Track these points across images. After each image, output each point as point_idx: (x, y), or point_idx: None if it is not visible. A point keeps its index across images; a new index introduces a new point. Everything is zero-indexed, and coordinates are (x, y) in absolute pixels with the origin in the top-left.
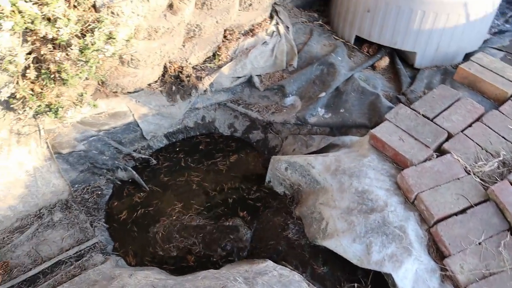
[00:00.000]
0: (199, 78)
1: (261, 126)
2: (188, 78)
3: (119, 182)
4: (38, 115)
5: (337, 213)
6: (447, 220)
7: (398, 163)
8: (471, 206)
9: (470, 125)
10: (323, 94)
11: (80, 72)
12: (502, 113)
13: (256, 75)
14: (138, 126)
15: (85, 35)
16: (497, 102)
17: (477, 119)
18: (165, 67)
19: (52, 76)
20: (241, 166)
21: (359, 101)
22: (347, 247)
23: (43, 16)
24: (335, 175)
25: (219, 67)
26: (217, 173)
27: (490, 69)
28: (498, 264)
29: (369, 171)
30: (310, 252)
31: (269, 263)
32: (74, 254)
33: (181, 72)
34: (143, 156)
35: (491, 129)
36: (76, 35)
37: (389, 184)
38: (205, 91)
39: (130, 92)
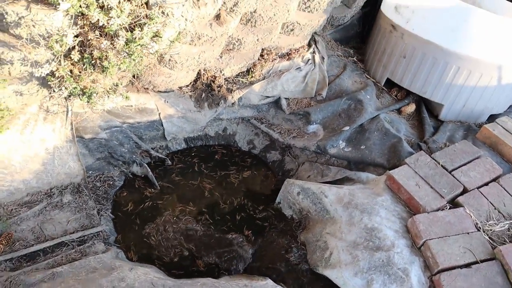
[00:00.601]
0: (230, 90)
1: (280, 147)
2: (219, 88)
3: (131, 176)
4: (71, 97)
5: (342, 245)
6: (451, 271)
7: (411, 207)
8: (477, 262)
9: (486, 184)
10: (347, 128)
11: (121, 63)
12: None
13: (285, 98)
14: (162, 125)
15: (133, 29)
16: None
17: (494, 179)
18: (199, 73)
19: (93, 61)
20: (253, 182)
21: (381, 141)
22: (348, 279)
23: (98, 4)
24: (346, 208)
25: (251, 83)
26: (228, 184)
27: None
28: None
29: (381, 210)
30: (310, 278)
31: (269, 282)
32: (77, 238)
33: (213, 81)
34: (160, 155)
35: (506, 191)
36: (125, 27)
37: (399, 226)
38: (233, 103)
39: (160, 91)
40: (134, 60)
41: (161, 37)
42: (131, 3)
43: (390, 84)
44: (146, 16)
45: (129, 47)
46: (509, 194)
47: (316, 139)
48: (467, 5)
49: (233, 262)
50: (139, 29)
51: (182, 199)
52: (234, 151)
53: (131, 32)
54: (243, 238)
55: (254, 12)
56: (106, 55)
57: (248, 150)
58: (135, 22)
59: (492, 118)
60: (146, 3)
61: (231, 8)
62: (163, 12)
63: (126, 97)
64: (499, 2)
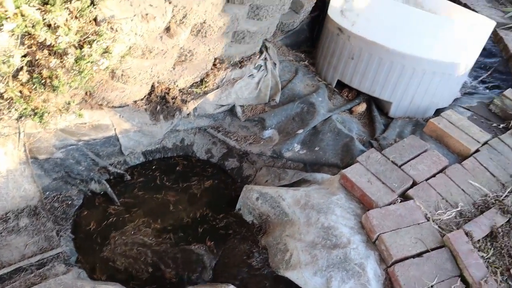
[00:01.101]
0: (184, 101)
1: (238, 155)
2: (173, 100)
3: (90, 194)
4: (22, 118)
5: (301, 246)
6: (404, 262)
7: (364, 203)
8: (428, 251)
9: (434, 175)
10: (301, 131)
11: (72, 81)
12: (464, 168)
13: (239, 105)
14: (118, 140)
15: (82, 46)
16: (461, 157)
17: (441, 171)
18: (153, 86)
19: (43, 81)
20: (215, 191)
21: (334, 141)
22: (308, 279)
23: (44, 23)
24: (303, 209)
25: (205, 93)
26: (191, 196)
27: (457, 126)
28: None
29: (336, 209)
30: (272, 281)
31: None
32: (36, 262)
33: (167, 93)
34: (119, 171)
35: (452, 181)
36: (74, 45)
37: (354, 223)
38: (188, 114)
39: (115, 106)
40: (84, 77)
41: (111, 53)
42: (78, 20)
43: (341, 85)
44: (95, 32)
45: (79, 64)
46: (455, 183)
47: (271, 144)
48: (407, 7)
49: (197, 272)
50: (88, 46)
51: (145, 214)
52: (194, 161)
53: (81, 49)
54: (206, 247)
55: (204, 23)
56: (56, 74)
57: (207, 159)
58: (84, 39)
59: (438, 112)
60: (95, 19)
61: (181, 20)
62: (112, 28)
63: (80, 115)
64: (440, 1)
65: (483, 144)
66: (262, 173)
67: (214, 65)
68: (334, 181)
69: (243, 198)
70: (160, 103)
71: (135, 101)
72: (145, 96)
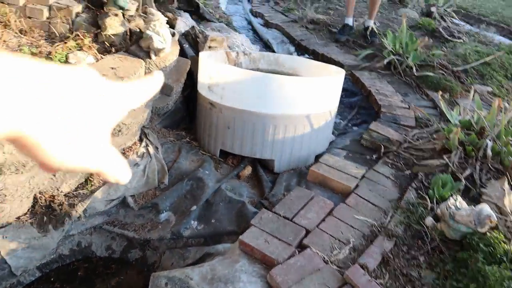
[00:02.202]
0: (72, 205)
1: (139, 244)
2: (60, 207)
3: None
4: None
5: None
6: None
7: (267, 263)
8: None
9: (323, 220)
10: (194, 207)
11: None
12: (348, 205)
13: (130, 196)
14: (6, 263)
15: None
16: (344, 196)
17: (329, 213)
18: (35, 197)
19: None
20: (122, 287)
21: (227, 210)
22: None
23: None
24: (211, 284)
25: (92, 192)
26: None
27: (335, 167)
28: None
29: (242, 275)
30: None
31: None
32: None
33: (52, 201)
34: None
35: (341, 220)
36: None
37: (261, 285)
38: (79, 217)
39: None
40: None
41: None
42: None
43: (224, 154)
44: None
45: None
46: (344, 222)
47: (169, 226)
48: (267, 74)
49: None
50: None
51: None
52: (95, 261)
53: None
54: None
55: None
56: None
57: (109, 256)
58: None
59: (318, 157)
60: None
61: None
62: None
63: None
64: (299, 60)
65: (361, 178)
66: (166, 257)
67: None
68: (235, 249)
69: (152, 287)
70: (47, 213)
71: (18, 217)
72: (28, 210)
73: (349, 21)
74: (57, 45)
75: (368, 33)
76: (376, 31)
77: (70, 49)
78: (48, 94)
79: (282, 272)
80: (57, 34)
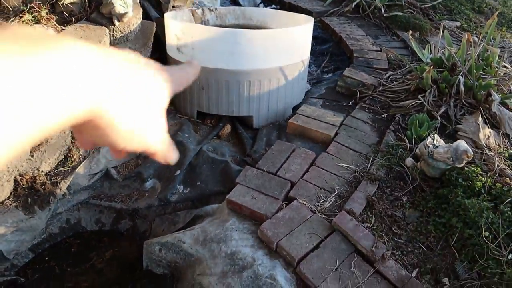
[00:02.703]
0: (55, 184)
1: (128, 214)
2: (43, 187)
3: None
4: None
5: (214, 280)
6: (306, 258)
7: (256, 219)
8: (322, 240)
9: (307, 171)
10: (178, 172)
11: None
12: (330, 154)
13: (112, 167)
14: None
15: None
16: (325, 145)
17: (312, 164)
18: (16, 180)
19: None
20: (118, 259)
21: (211, 171)
22: None
23: None
24: (204, 245)
25: (74, 168)
26: (95, 273)
27: (313, 117)
28: (353, 282)
29: (233, 233)
30: None
31: None
32: None
33: (34, 182)
34: (9, 278)
35: (324, 169)
36: None
37: (253, 241)
38: (63, 195)
39: None
40: None
41: None
42: None
43: (202, 115)
44: None
45: None
46: (327, 171)
47: (156, 193)
48: (235, 30)
49: None
50: None
51: None
52: (87, 236)
53: None
54: None
55: None
56: None
57: (100, 229)
58: None
59: (295, 109)
60: None
61: None
62: None
63: None
64: (266, 11)
65: (340, 126)
66: (156, 224)
67: (73, 137)
68: (223, 209)
69: (146, 254)
70: (30, 195)
71: (2, 202)
72: (11, 194)
73: None
74: (12, 21)
75: None
76: None
77: (27, 23)
78: (126, 77)
79: (272, 226)
80: (10, 9)
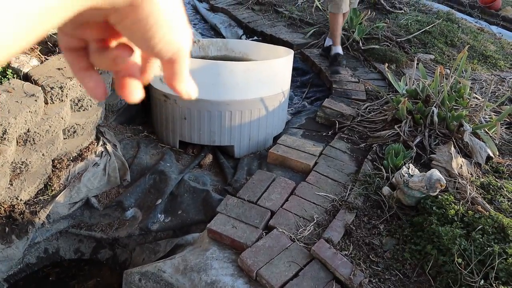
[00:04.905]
0: (34, 213)
1: (108, 244)
2: (21, 216)
3: None
4: None
5: None
6: (285, 287)
7: (237, 248)
8: (302, 268)
9: (287, 200)
10: (160, 201)
11: None
12: (309, 183)
13: (93, 196)
14: None
15: None
16: (305, 174)
17: (291, 193)
18: None
19: None
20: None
21: (192, 200)
22: None
23: None
24: (185, 274)
25: (54, 197)
26: None
27: (293, 147)
28: None
29: (213, 263)
30: None
31: None
32: None
33: (13, 211)
34: None
35: (303, 198)
36: None
37: (233, 269)
38: (42, 223)
39: None
40: None
41: None
42: None
43: (184, 145)
44: None
45: None
46: (306, 199)
47: (137, 222)
48: (215, 62)
49: None
50: None
51: None
52: (66, 265)
53: None
54: None
55: (28, 131)
56: None
57: (79, 258)
58: None
59: (276, 139)
60: None
61: (1, 137)
62: None
63: None
64: (247, 44)
65: (319, 155)
66: (136, 253)
67: (54, 166)
68: (204, 237)
69: (126, 284)
70: (8, 224)
71: None
72: None
73: (339, 49)
74: None
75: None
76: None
77: None
78: None
79: (252, 255)
80: None
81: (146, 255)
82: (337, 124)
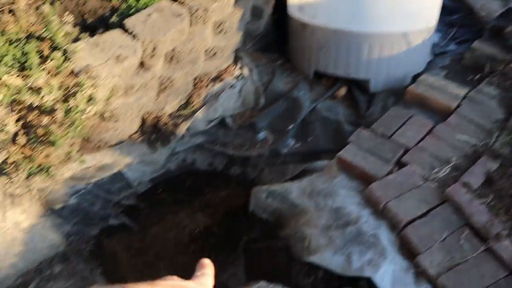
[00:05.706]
0: (176, 125)
1: (239, 161)
2: (165, 126)
3: (111, 229)
4: (30, 176)
5: (317, 231)
6: (413, 224)
7: (365, 179)
8: (432, 209)
9: (423, 139)
10: (291, 126)
11: (67, 133)
12: (449, 125)
13: (229, 116)
14: (124, 175)
15: (67, 99)
16: (445, 115)
17: (429, 133)
18: (143, 118)
19: (40, 139)
20: (226, 200)
21: (324, 128)
22: (330, 259)
23: (28, 87)
24: (311, 197)
25: (193, 112)
26: (203, 210)
27: (435, 87)
28: (461, 255)
29: (340, 190)
30: (298, 269)
31: (262, 283)
32: None
33: (158, 121)
34: (132, 203)
35: (441, 139)
36: (60, 100)
37: (359, 199)
38: (182, 136)
39: (112, 145)
40: (77, 127)
41: (95, 99)
42: (58, 76)
43: (319, 75)
44: (76, 84)
45: (68, 117)
46: (444, 141)
47: (267, 144)
48: None
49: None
50: (73, 97)
51: (164, 239)
52: (199, 175)
53: (67, 102)
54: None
55: (174, 50)
56: (50, 130)
57: (212, 171)
58: (67, 93)
59: (415, 78)
60: (72, 72)
61: (151, 53)
62: (90, 76)
63: (81, 161)
64: None
65: (463, 99)
66: (265, 173)
67: (195, 85)
68: (333, 166)
69: (253, 199)
70: (154, 132)
71: (130, 136)
72: (138, 129)
73: None
74: None
75: None
76: None
77: None
78: None
79: (381, 187)
80: None
81: (275, 176)
82: (487, 68)
